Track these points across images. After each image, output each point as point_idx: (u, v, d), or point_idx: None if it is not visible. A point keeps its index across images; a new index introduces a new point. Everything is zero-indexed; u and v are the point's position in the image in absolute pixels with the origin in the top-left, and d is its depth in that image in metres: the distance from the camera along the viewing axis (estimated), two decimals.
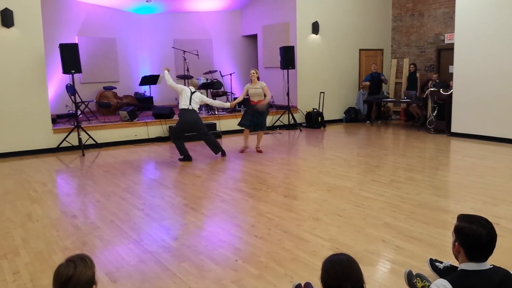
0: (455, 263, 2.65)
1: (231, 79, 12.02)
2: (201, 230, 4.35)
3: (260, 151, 8.13)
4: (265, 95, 7.79)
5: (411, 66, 11.65)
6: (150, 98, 11.38)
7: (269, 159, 7.60)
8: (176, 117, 9.89)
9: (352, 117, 12.02)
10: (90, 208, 5.12)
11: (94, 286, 1.85)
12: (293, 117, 11.05)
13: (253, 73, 7.87)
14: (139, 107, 10.65)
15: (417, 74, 11.50)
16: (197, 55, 11.71)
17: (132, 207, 5.05)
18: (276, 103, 11.76)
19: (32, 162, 7.70)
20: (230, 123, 10.22)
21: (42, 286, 3.16)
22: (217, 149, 7.71)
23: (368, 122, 11.61)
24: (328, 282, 1.86)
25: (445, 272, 3.04)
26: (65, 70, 8.25)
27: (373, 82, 11.58)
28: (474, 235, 2.00)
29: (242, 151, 8.16)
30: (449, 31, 11.04)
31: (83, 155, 8.20)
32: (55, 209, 5.08)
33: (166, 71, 7.64)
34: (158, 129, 9.63)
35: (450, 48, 10.12)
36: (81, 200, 5.45)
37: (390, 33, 12.75)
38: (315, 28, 11.41)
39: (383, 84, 11.71)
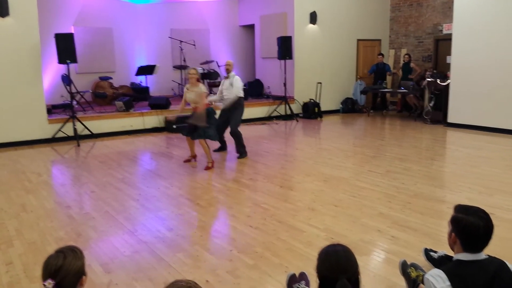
0: (450, 253, 2.65)
1: None
2: (196, 221, 4.34)
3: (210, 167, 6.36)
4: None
5: (406, 56, 11.60)
6: (146, 88, 11.30)
7: (265, 149, 7.57)
8: (172, 108, 9.87)
9: (349, 107, 11.99)
10: (85, 198, 5.09)
11: (84, 277, 1.84)
12: (290, 108, 11.01)
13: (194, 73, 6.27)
14: (135, 97, 10.58)
15: (412, 64, 11.44)
16: (194, 45, 11.65)
17: (127, 197, 5.03)
18: (273, 94, 11.72)
19: (27, 153, 7.66)
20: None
21: (35, 277, 3.14)
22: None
23: (371, 111, 11.64)
24: (324, 273, 1.84)
25: (440, 262, 3.04)
26: (61, 60, 8.18)
27: (377, 73, 11.57)
28: (472, 227, 1.99)
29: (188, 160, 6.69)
30: (447, 21, 10.98)
31: (79, 145, 8.15)
32: (49, 200, 5.05)
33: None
34: (154, 119, 9.58)
35: (448, 38, 10.07)
36: (76, 191, 5.43)
37: (388, 23, 12.68)
38: (313, 18, 11.33)
39: (387, 75, 11.73)
